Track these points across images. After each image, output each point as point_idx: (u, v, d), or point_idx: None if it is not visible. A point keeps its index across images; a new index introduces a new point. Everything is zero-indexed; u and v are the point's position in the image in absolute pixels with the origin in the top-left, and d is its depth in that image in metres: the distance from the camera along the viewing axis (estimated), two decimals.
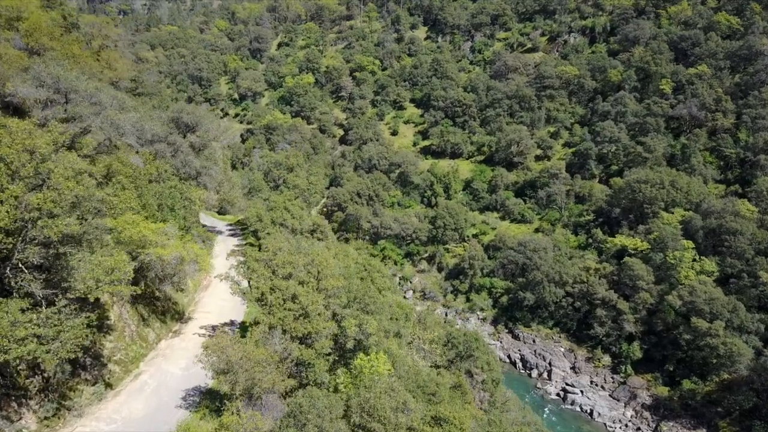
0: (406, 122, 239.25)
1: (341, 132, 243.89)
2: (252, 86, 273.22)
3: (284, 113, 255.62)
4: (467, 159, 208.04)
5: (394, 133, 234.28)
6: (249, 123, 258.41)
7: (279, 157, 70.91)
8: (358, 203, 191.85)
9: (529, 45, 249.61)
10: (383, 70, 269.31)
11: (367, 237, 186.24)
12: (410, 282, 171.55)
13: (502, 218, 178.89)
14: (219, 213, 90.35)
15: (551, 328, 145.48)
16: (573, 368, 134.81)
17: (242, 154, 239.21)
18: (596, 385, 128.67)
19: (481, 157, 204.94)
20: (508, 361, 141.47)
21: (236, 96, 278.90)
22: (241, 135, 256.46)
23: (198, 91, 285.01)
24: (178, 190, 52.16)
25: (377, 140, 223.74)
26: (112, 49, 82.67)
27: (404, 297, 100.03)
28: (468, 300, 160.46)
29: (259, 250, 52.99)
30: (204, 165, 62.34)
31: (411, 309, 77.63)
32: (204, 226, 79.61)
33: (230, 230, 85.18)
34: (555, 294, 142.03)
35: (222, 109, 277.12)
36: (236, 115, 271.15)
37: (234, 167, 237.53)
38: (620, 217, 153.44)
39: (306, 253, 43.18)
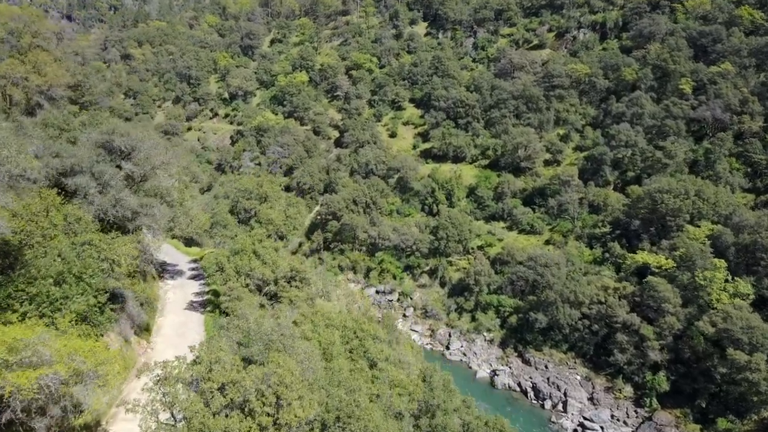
0: (406, 123, 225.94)
1: (336, 134, 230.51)
2: (243, 85, 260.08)
3: (276, 114, 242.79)
4: (471, 163, 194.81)
5: (393, 135, 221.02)
6: (239, 124, 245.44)
7: (249, 184, 58.27)
8: (355, 211, 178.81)
9: (536, 41, 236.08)
10: (381, 68, 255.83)
11: (364, 248, 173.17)
12: (410, 298, 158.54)
13: (510, 228, 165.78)
14: (186, 244, 77.53)
15: (566, 353, 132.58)
16: (591, 399, 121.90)
17: (231, 157, 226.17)
18: (618, 419, 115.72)
19: (486, 162, 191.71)
20: (518, 389, 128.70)
21: (226, 95, 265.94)
22: (231, 137, 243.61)
23: (186, 90, 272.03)
24: (94, 248, 38.92)
25: (375, 143, 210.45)
26: (42, 49, 69.64)
27: (412, 346, 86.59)
28: (473, 319, 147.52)
29: (220, 312, 40.79)
30: (145, 203, 49.29)
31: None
32: (162, 263, 66.79)
33: (194, 268, 72.04)
34: (570, 316, 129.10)
35: (211, 109, 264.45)
36: (226, 115, 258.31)
37: (223, 171, 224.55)
38: (640, 230, 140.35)
39: (263, 360, 30.12)
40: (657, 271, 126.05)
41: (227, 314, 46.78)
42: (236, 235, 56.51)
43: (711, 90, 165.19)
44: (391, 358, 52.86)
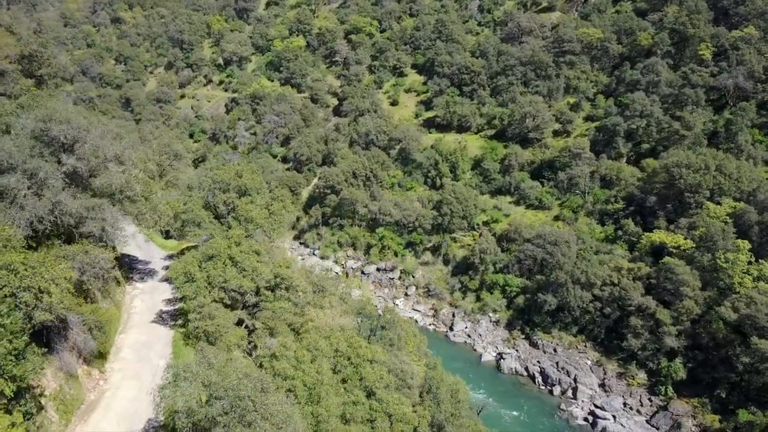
0: (408, 91, 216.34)
1: (335, 101, 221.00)
2: (237, 50, 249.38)
3: (272, 80, 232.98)
4: (476, 133, 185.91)
5: (394, 103, 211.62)
6: (234, 91, 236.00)
7: (225, 175, 50.07)
8: (354, 185, 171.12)
9: (545, 3, 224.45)
10: (382, 32, 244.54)
11: (364, 223, 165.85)
12: (412, 276, 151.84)
13: (517, 203, 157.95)
14: (164, 236, 69.61)
15: (575, 336, 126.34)
16: (602, 386, 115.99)
17: (226, 126, 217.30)
18: (631, 408, 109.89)
19: (492, 132, 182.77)
20: (525, 373, 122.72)
21: (220, 61, 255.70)
22: (226, 105, 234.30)
23: (179, 55, 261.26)
24: (12, 274, 30.54)
25: (375, 111, 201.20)
26: None
27: (417, 345, 79.74)
28: (478, 299, 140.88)
29: (188, 335, 33.86)
30: (93, 205, 41.25)
31: None
32: (132, 261, 59.14)
33: (169, 267, 64.52)
34: (581, 298, 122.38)
35: (205, 76, 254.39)
36: (220, 82, 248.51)
37: (217, 141, 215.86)
38: (656, 207, 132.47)
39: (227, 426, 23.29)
40: (674, 251, 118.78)
41: (197, 337, 39.87)
42: (211, 236, 49.22)
43: (733, 56, 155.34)
44: (392, 382, 46.01)
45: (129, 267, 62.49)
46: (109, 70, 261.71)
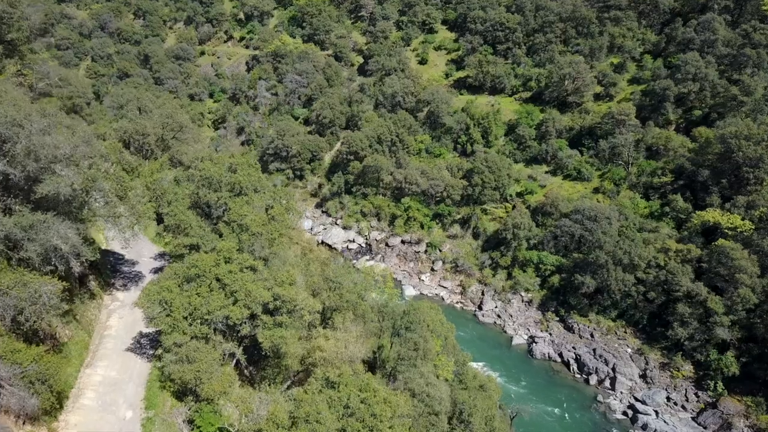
0: (437, 48, 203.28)
1: (360, 60, 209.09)
2: (259, 4, 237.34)
3: (295, 37, 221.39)
4: (510, 96, 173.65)
5: (423, 62, 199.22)
6: (255, 48, 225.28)
7: (213, 170, 41.86)
8: (379, 151, 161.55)
9: None
10: None
11: (389, 192, 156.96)
12: (439, 250, 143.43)
13: (553, 173, 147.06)
14: (159, 221, 61.72)
15: (615, 321, 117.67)
16: (643, 377, 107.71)
17: (246, 86, 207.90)
18: (675, 403, 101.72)
19: (528, 94, 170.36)
20: (559, 359, 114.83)
21: (241, 16, 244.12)
22: (247, 62, 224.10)
23: (199, 10, 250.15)
24: None
25: (402, 71, 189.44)
26: None
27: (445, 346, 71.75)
28: (510, 277, 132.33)
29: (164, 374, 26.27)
30: (29, 223, 32.76)
31: None
32: (115, 259, 50.50)
33: (160, 269, 55.36)
34: (622, 281, 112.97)
35: (226, 32, 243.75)
36: (241, 38, 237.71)
37: (237, 101, 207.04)
38: (708, 182, 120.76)
39: None
40: (729, 232, 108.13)
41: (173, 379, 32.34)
42: (196, 246, 40.66)
43: None
44: (418, 410, 37.91)
45: (112, 268, 54.94)
46: (127, 26, 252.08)
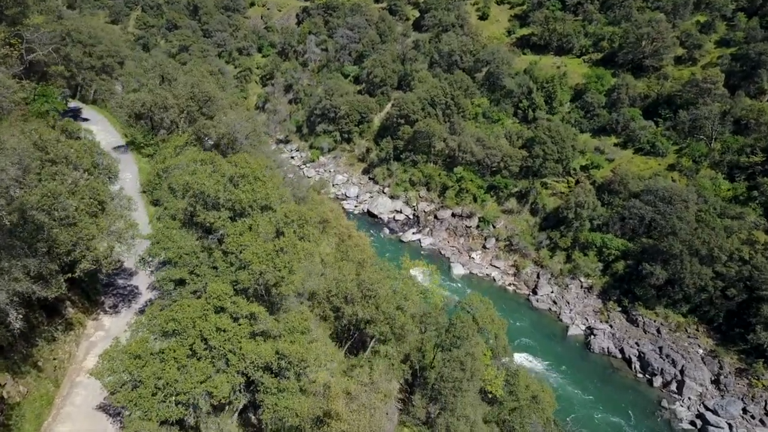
0: (500, 2, 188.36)
1: (416, 14, 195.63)
2: None
3: None
4: (579, 57, 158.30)
5: (483, 17, 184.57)
6: (306, 0, 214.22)
7: (210, 186, 34.27)
8: (432, 115, 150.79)
9: None
10: None
11: (441, 161, 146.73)
12: (493, 226, 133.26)
13: (624, 146, 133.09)
14: (154, 204, 53.10)
15: (685, 316, 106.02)
16: (716, 383, 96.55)
17: (296, 40, 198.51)
18: (753, 417, 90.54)
19: (599, 56, 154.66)
20: (619, 355, 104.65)
21: None
22: (297, 15, 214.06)
23: None
24: None
25: (461, 27, 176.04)
26: None
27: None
28: (569, 259, 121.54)
29: None
30: None
31: None
32: (115, 268, 39.77)
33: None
34: (698, 274, 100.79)
35: None
36: None
37: (286, 57, 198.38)
38: None
39: None
40: None
41: None
42: (183, 281, 32.72)
43: None
44: None
45: (104, 280, 46.82)
46: None
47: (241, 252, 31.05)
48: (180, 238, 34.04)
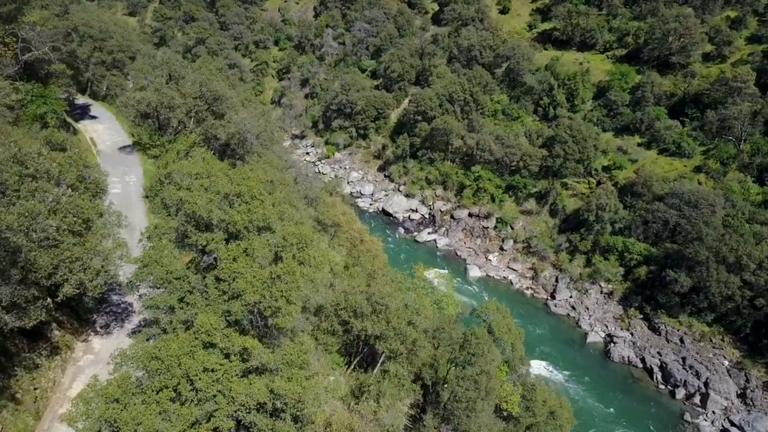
0: None
1: (435, 7, 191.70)
2: None
3: None
4: (602, 53, 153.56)
5: (504, 11, 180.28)
6: None
7: (200, 202, 32.32)
8: (450, 111, 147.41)
9: None
10: None
11: (458, 159, 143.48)
12: (511, 227, 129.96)
13: (648, 146, 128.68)
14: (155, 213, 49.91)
15: (710, 326, 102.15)
16: (742, 396, 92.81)
17: (313, 34, 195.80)
18: None
19: (623, 52, 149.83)
20: (640, 365, 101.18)
21: None
22: (314, 8, 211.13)
23: None
24: None
25: (481, 21, 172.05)
26: None
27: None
28: (589, 263, 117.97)
29: None
30: None
31: None
32: (108, 285, 35.85)
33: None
34: (725, 283, 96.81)
35: None
36: None
37: (303, 50, 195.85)
38: None
39: None
40: None
41: None
42: (171, 309, 30.06)
43: None
44: None
45: (99, 297, 43.99)
46: None
47: (234, 279, 28.57)
48: (170, 261, 31.68)
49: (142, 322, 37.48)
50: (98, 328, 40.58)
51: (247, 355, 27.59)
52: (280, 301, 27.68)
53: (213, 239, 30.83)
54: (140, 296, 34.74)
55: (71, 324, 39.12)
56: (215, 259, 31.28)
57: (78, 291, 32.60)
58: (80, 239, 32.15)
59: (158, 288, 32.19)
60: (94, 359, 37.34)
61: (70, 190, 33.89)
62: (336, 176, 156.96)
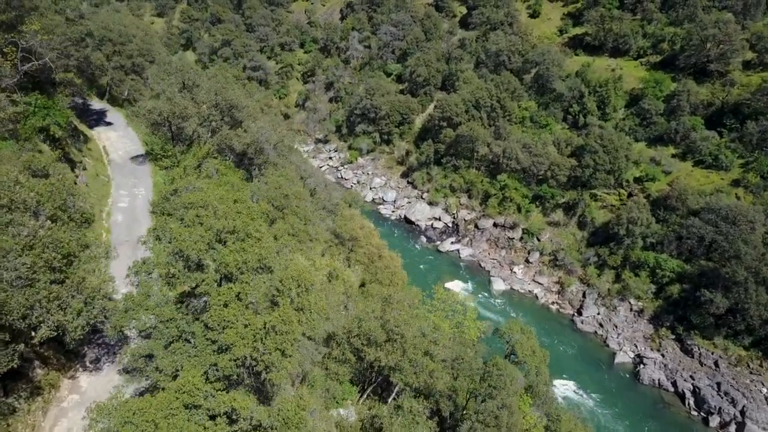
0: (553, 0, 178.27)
1: (463, 10, 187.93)
2: None
3: None
4: (636, 59, 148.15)
5: (534, 15, 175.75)
6: None
7: (188, 242, 30.23)
8: (476, 118, 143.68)
9: None
10: None
11: (483, 167, 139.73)
12: (537, 239, 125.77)
13: (683, 157, 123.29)
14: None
15: (747, 349, 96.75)
16: None
17: (339, 36, 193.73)
18: None
19: (657, 59, 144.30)
20: (671, 389, 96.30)
21: None
22: (341, 11, 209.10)
23: None
24: None
25: (510, 25, 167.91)
26: None
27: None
28: (618, 279, 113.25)
29: None
30: None
31: None
32: (101, 307, 33.81)
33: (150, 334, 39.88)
34: (766, 305, 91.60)
35: None
36: None
37: (329, 53, 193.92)
38: None
39: None
40: None
41: None
42: (150, 356, 27.50)
43: None
44: None
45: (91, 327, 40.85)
46: None
47: (223, 329, 25.81)
48: (156, 304, 29.07)
49: (127, 366, 34.05)
50: (87, 363, 37.52)
51: (235, 416, 24.88)
52: (274, 354, 24.82)
53: (203, 280, 28.16)
54: (120, 344, 31.94)
55: (57, 359, 36.33)
56: (206, 303, 28.55)
57: (56, 333, 30.13)
58: (60, 275, 29.77)
59: (142, 332, 29.64)
60: (79, 400, 34.35)
61: (49, 222, 31.45)
62: (359, 182, 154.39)
